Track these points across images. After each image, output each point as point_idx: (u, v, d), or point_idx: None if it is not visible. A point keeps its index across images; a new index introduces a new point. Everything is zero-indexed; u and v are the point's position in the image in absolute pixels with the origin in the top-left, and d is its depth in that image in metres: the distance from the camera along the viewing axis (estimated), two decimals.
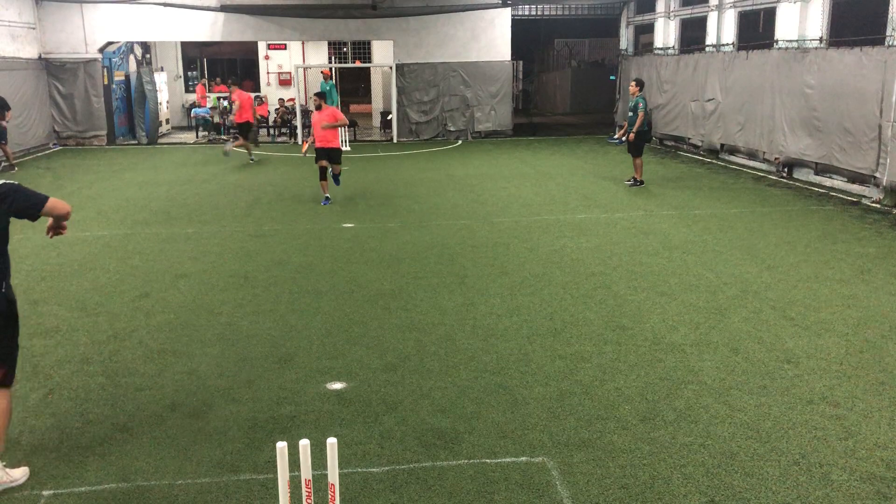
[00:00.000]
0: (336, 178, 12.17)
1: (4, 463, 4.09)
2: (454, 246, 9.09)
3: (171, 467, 4.24)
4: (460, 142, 20.35)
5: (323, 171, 11.75)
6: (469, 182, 13.73)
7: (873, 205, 11.26)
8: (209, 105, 23.11)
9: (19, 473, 4.02)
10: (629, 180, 13.35)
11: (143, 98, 20.55)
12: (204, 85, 24.97)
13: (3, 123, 14.82)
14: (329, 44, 25.39)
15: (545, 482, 4.05)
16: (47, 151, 18.58)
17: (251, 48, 25.53)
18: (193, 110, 23.13)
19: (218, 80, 26.24)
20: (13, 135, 16.53)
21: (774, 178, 13.97)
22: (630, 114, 13.23)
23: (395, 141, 20.54)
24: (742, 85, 15.33)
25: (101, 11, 19.19)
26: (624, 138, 19.91)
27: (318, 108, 11.69)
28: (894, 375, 5.34)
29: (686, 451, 4.34)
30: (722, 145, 16.41)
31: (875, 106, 11.41)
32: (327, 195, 11.93)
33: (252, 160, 16.65)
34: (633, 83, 13.40)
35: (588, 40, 31.65)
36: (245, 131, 16.49)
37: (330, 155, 11.77)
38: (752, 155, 15.29)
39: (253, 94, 24.12)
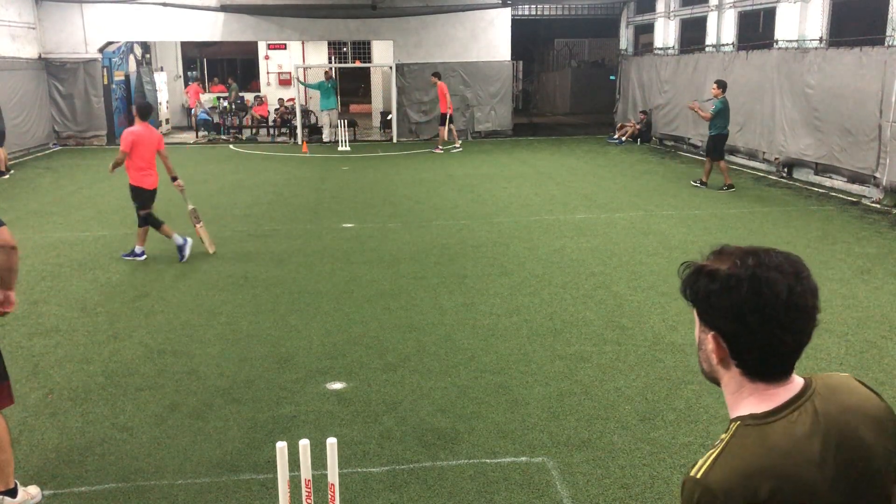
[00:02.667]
0: (156, 222, 8.59)
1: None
2: (454, 246, 9.09)
3: (171, 467, 4.24)
4: (460, 142, 20.34)
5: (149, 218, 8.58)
6: (469, 182, 13.73)
7: (873, 205, 11.26)
8: (208, 105, 23.10)
9: (35, 490, 3.99)
10: (723, 187, 12.69)
11: (143, 98, 20.56)
12: (200, 85, 24.92)
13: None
14: (329, 44, 25.39)
15: (545, 482, 4.05)
16: (47, 151, 18.58)
17: (251, 48, 25.52)
18: (193, 110, 23.11)
19: (216, 79, 26.24)
20: (13, 135, 16.54)
21: (774, 178, 13.96)
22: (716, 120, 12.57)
23: (395, 141, 20.53)
24: (742, 85, 15.32)
25: (100, 11, 19.18)
26: (624, 138, 20.02)
27: (137, 120, 8.45)
28: (894, 375, 5.34)
29: (686, 451, 4.34)
30: None
31: (875, 106, 11.40)
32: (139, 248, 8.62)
33: (439, 149, 18.10)
34: (715, 85, 12.71)
35: (588, 40, 31.63)
36: (443, 121, 18.21)
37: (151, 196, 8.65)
38: (752, 155, 15.29)
39: (252, 95, 24.28)
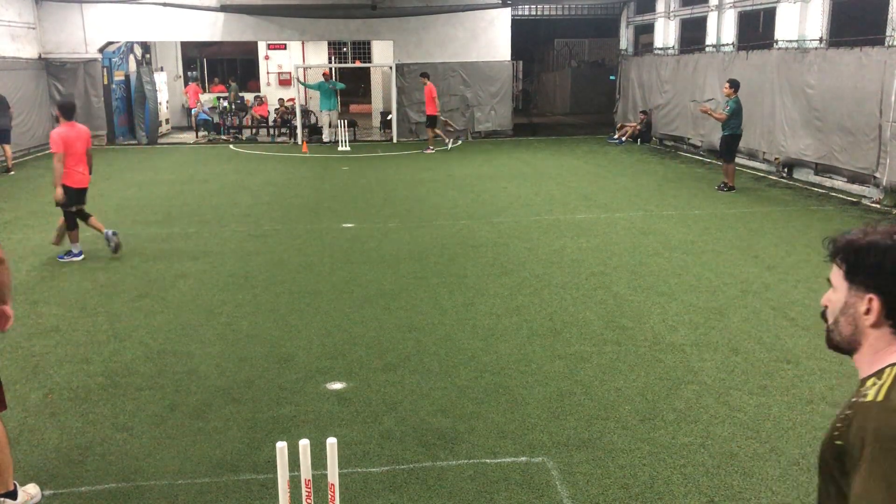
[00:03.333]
0: (74, 223, 8.51)
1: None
2: (454, 246, 9.09)
3: (171, 467, 4.24)
4: (460, 142, 20.34)
5: (74, 217, 8.47)
6: (469, 182, 13.73)
7: (873, 205, 11.26)
8: (208, 105, 23.09)
9: (34, 490, 3.97)
10: (720, 186, 12.71)
11: (143, 98, 20.54)
12: (199, 85, 24.89)
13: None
14: (329, 44, 25.39)
15: (545, 482, 4.05)
16: (47, 151, 18.53)
17: (251, 48, 25.53)
18: (194, 110, 23.09)
19: (216, 79, 26.23)
20: (12, 133, 16.52)
21: (774, 178, 13.96)
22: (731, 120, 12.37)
23: (395, 141, 20.53)
24: (742, 85, 15.31)
25: (101, 11, 19.18)
26: (624, 138, 20.02)
27: (62, 120, 8.32)
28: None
29: (686, 451, 4.34)
30: None
31: (875, 106, 11.40)
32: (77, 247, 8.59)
33: (430, 149, 18.09)
34: (728, 84, 12.49)
35: (588, 40, 31.62)
36: (431, 123, 18.18)
37: (83, 196, 8.56)
38: (752, 155, 15.29)
39: (252, 95, 24.28)
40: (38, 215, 11.04)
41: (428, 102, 18.04)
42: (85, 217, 8.65)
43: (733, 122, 12.40)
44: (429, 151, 17.93)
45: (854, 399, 1.62)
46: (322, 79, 20.59)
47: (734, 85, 12.49)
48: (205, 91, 25.16)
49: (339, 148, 18.81)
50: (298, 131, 20.22)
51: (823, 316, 1.78)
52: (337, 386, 5.26)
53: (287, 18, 19.73)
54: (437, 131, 18.43)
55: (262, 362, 5.67)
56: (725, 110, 12.45)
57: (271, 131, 22.22)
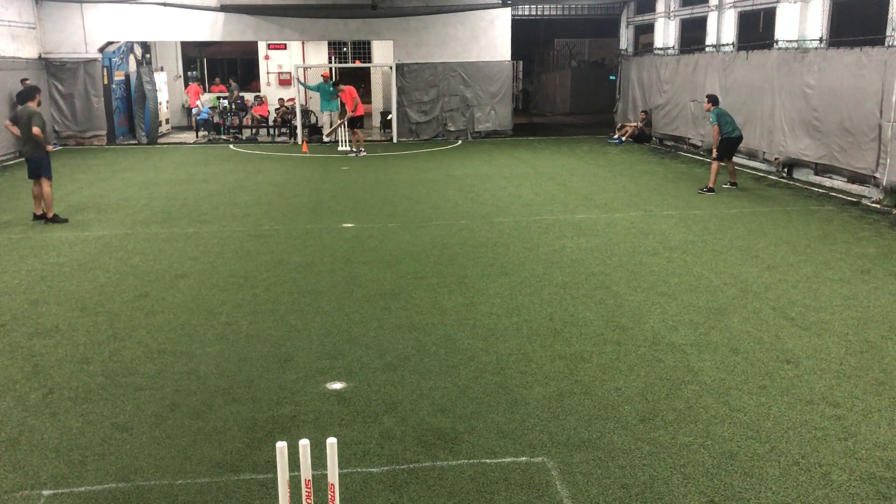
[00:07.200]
0: None
1: None
2: (454, 246, 9.09)
3: (171, 467, 4.24)
4: (460, 142, 20.35)
5: None
6: (469, 182, 13.73)
7: (873, 205, 11.26)
8: (208, 105, 23.08)
9: None
10: (724, 184, 12.93)
11: (143, 98, 20.55)
12: (200, 85, 24.89)
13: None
14: (329, 44, 25.39)
15: (545, 482, 4.05)
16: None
17: (251, 48, 25.52)
18: (194, 111, 23.09)
19: (217, 79, 26.23)
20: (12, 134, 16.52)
21: (774, 178, 13.97)
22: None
23: (395, 141, 20.54)
24: (742, 85, 15.33)
25: (101, 11, 19.18)
26: (623, 139, 20.02)
27: None
28: (894, 375, 5.34)
29: (686, 451, 4.34)
30: None
31: (875, 106, 11.41)
32: None
33: (353, 153, 17.95)
34: (706, 100, 12.88)
35: (588, 40, 31.64)
36: (359, 124, 18.05)
37: None
38: (752, 155, 15.29)
39: (252, 94, 24.26)
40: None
41: (350, 104, 17.73)
42: None
43: (725, 128, 12.55)
44: (361, 154, 17.76)
45: None
46: (322, 80, 20.58)
47: (712, 100, 12.82)
48: (205, 91, 25.15)
49: (339, 148, 18.82)
50: (298, 131, 20.23)
51: None
52: (337, 386, 5.26)
53: (287, 18, 19.73)
54: (361, 135, 18.15)
55: (262, 362, 5.67)
56: (711, 122, 12.66)
57: (271, 131, 22.22)
